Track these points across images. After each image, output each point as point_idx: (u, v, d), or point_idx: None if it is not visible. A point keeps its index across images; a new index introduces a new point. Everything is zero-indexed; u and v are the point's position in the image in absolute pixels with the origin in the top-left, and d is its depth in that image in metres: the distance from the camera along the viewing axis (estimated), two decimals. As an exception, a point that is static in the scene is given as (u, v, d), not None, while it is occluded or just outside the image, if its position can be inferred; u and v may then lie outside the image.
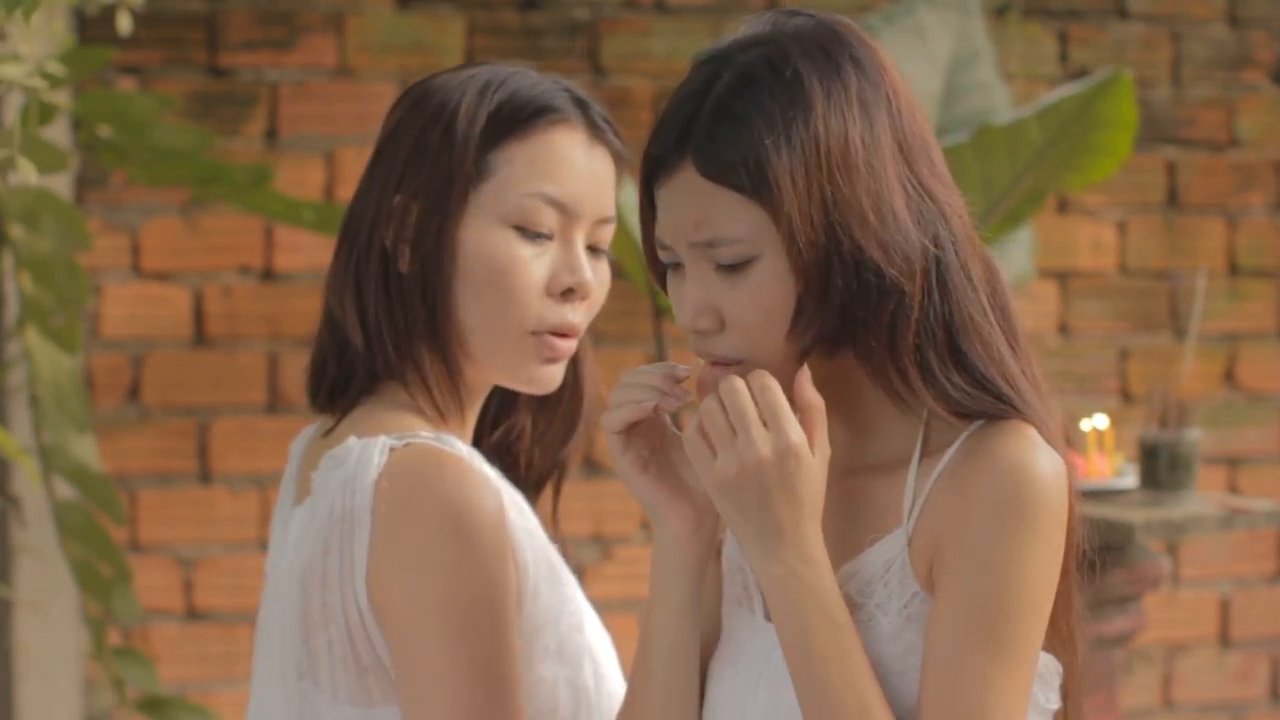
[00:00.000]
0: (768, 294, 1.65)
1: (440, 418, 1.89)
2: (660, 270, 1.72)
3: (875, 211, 1.64)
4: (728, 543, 1.80)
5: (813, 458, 1.62)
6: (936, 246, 1.66)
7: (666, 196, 1.68)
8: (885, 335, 1.65)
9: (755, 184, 1.63)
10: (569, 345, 1.89)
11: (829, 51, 1.67)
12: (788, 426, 1.61)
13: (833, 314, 1.64)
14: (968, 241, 1.68)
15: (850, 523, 1.70)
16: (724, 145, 1.64)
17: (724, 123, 1.64)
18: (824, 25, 1.69)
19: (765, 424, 1.61)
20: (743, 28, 1.70)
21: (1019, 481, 1.62)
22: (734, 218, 1.64)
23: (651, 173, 1.69)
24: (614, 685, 1.92)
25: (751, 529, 1.62)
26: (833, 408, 1.72)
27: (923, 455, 1.68)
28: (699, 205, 1.65)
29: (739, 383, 1.62)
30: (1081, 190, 4.26)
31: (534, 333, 1.87)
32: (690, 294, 1.68)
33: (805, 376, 1.64)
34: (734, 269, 1.66)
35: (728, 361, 1.68)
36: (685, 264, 1.68)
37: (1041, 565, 1.62)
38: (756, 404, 1.62)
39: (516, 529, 1.84)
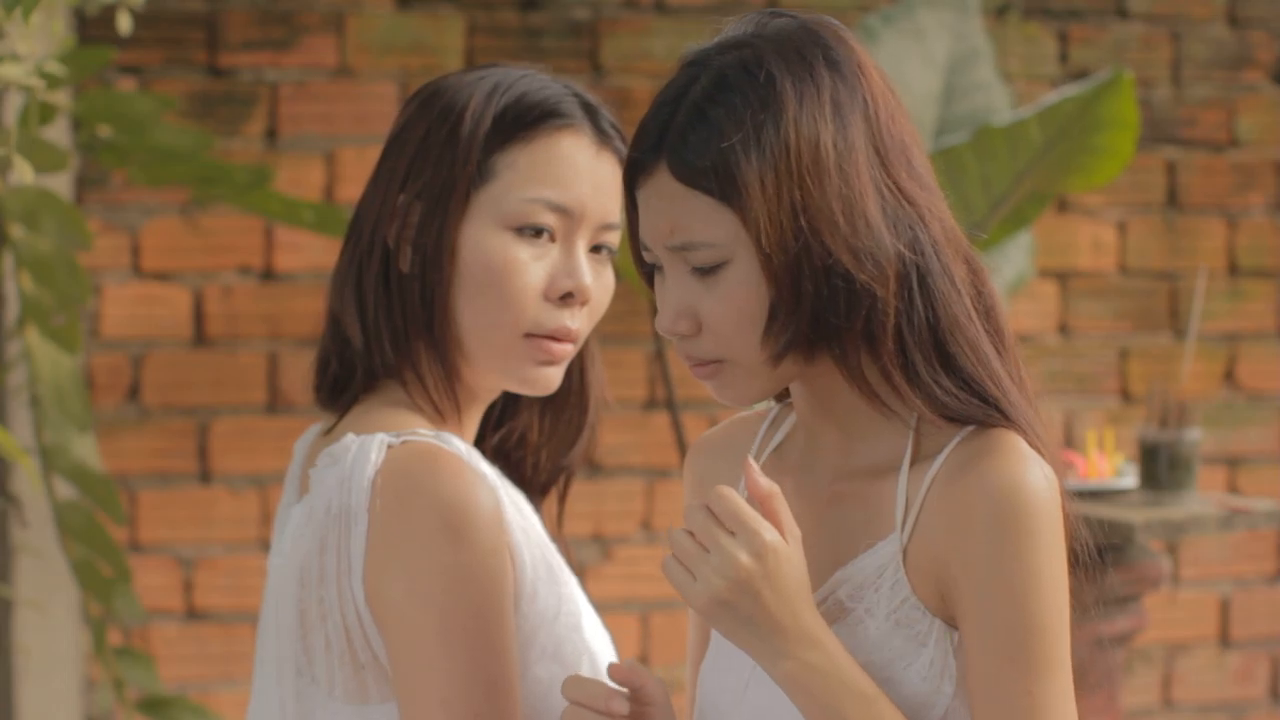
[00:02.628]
0: (741, 298, 1.65)
1: (439, 416, 1.89)
2: (647, 272, 1.73)
3: (846, 216, 1.63)
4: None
5: (787, 545, 1.62)
6: (914, 251, 1.65)
7: (645, 199, 1.68)
8: (863, 340, 1.65)
9: (725, 188, 1.63)
10: (565, 349, 1.89)
11: (804, 53, 1.66)
12: (756, 526, 1.60)
13: (805, 318, 1.64)
14: (949, 245, 1.68)
15: (841, 528, 1.71)
16: (696, 149, 1.64)
17: (697, 126, 1.64)
18: (804, 27, 1.68)
19: (733, 533, 1.61)
20: (727, 28, 1.70)
21: (1016, 501, 1.62)
22: (706, 222, 1.65)
23: (632, 176, 1.69)
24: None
25: (753, 636, 1.61)
26: (821, 412, 1.73)
27: (913, 461, 1.68)
28: (673, 209, 1.66)
29: (696, 504, 1.62)
30: (1085, 192, 4.26)
31: (529, 335, 1.87)
32: (669, 297, 1.68)
33: (753, 469, 1.64)
34: (708, 272, 1.66)
35: (706, 363, 1.68)
36: (664, 267, 1.69)
37: (1053, 574, 1.63)
38: (718, 518, 1.61)
39: (515, 528, 1.84)
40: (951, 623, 1.66)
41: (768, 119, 1.63)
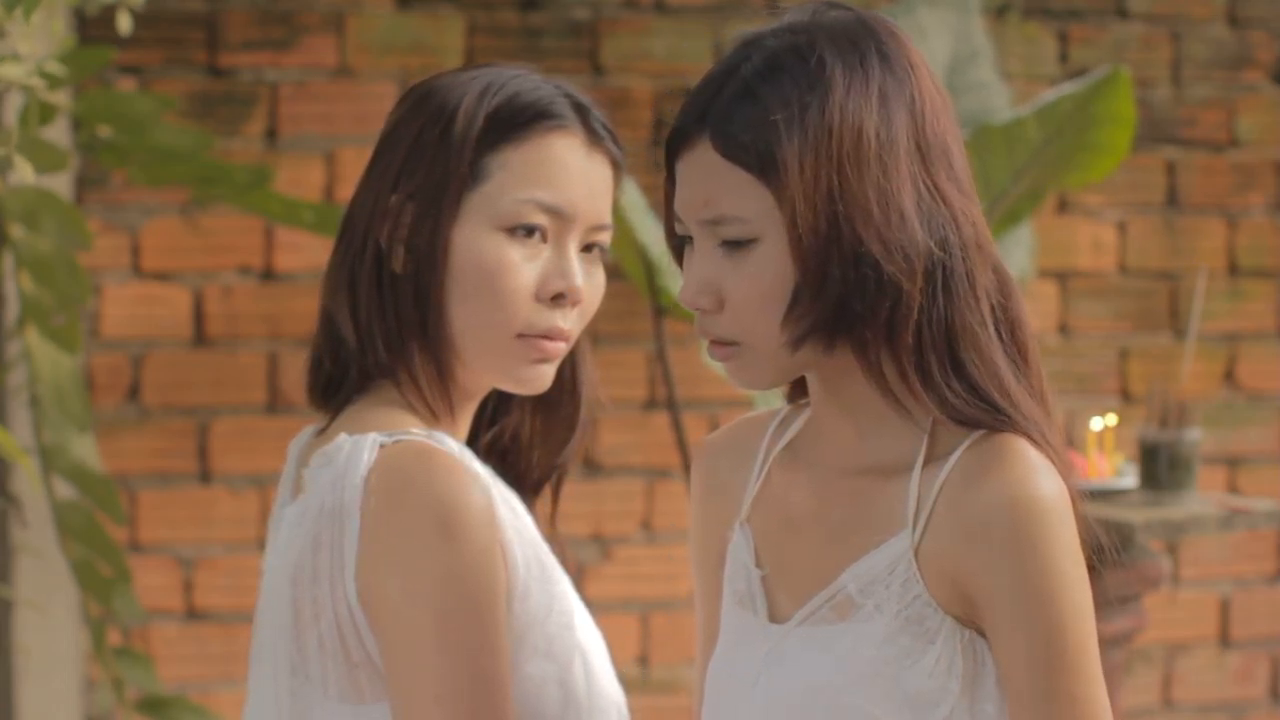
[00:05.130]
0: (766, 278, 1.66)
1: (432, 416, 1.89)
2: (677, 245, 1.74)
3: (880, 206, 1.64)
4: (733, 542, 1.80)
5: None
6: (942, 251, 1.66)
7: (683, 171, 1.69)
8: (883, 333, 1.66)
9: (764, 165, 1.64)
10: (558, 347, 1.89)
11: (857, 43, 1.68)
12: None
13: (828, 305, 1.65)
14: (977, 250, 1.68)
15: (853, 523, 1.71)
16: (740, 125, 1.65)
17: (743, 103, 1.66)
18: (860, 19, 1.70)
19: None
20: (786, 15, 1.71)
21: (1031, 512, 1.63)
22: (741, 197, 1.66)
23: (674, 146, 1.70)
24: (605, 684, 1.92)
25: None
26: (835, 407, 1.73)
27: (926, 460, 1.69)
28: (710, 181, 1.67)
29: None
30: (1081, 188, 4.26)
31: (521, 335, 1.88)
32: (694, 271, 1.69)
33: None
34: (737, 248, 1.66)
35: (724, 342, 1.69)
36: (694, 240, 1.70)
37: (1076, 575, 1.64)
38: None
39: (507, 527, 1.84)
40: (963, 621, 1.67)
41: (814, 101, 1.64)
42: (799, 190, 1.63)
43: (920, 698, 1.66)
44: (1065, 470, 1.68)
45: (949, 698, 1.66)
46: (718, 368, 1.73)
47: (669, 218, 1.73)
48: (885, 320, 1.65)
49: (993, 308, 1.69)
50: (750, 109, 1.65)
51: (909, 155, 1.66)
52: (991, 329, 1.68)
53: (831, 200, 1.63)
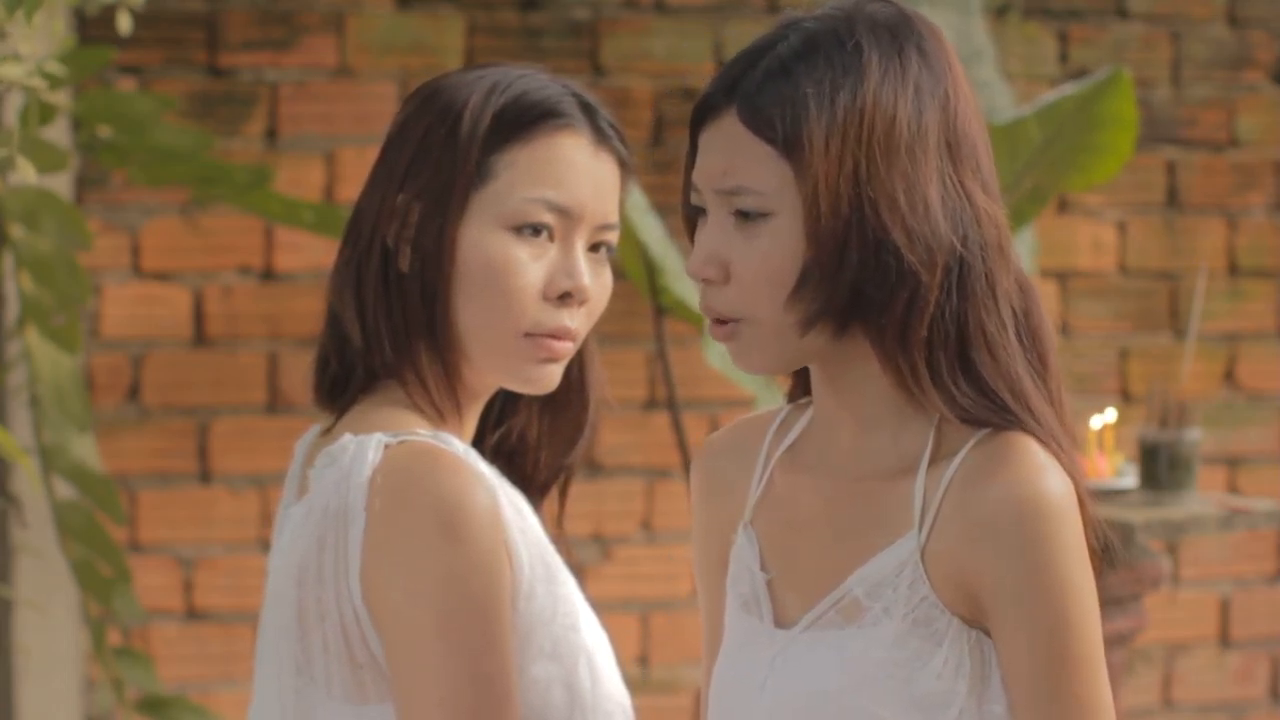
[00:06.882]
0: (776, 255, 1.66)
1: (439, 416, 1.89)
2: (691, 218, 1.74)
3: (907, 196, 1.64)
4: (737, 545, 1.79)
5: None
6: (963, 247, 1.66)
7: (707, 140, 1.70)
8: (898, 324, 1.65)
9: (788, 140, 1.65)
10: (565, 347, 1.89)
11: (896, 35, 1.68)
12: None
13: (841, 289, 1.65)
14: (998, 253, 1.68)
15: (858, 525, 1.70)
16: (769, 98, 1.66)
17: (775, 79, 1.66)
18: (901, 13, 1.71)
19: None
20: (828, 3, 1.72)
21: (1038, 511, 1.63)
22: (762, 169, 1.66)
23: (700, 116, 1.71)
24: (610, 685, 1.91)
25: None
26: (840, 405, 1.72)
27: (932, 459, 1.68)
28: (731, 151, 1.67)
29: None
30: (1084, 190, 4.26)
31: (528, 335, 1.88)
32: (704, 242, 1.69)
33: None
34: (749, 222, 1.67)
35: (726, 319, 1.69)
36: (708, 211, 1.70)
37: (1083, 575, 1.64)
38: None
39: (512, 528, 1.84)
40: (969, 622, 1.66)
41: (847, 84, 1.65)
42: (821, 169, 1.64)
43: (928, 700, 1.65)
44: (1075, 472, 1.67)
45: (957, 699, 1.65)
46: (717, 361, 1.73)
47: (686, 188, 1.73)
48: (901, 312, 1.65)
49: (1014, 313, 1.68)
50: (781, 84, 1.66)
51: (938, 150, 1.66)
52: (1011, 333, 1.68)
53: (856, 184, 1.64)
